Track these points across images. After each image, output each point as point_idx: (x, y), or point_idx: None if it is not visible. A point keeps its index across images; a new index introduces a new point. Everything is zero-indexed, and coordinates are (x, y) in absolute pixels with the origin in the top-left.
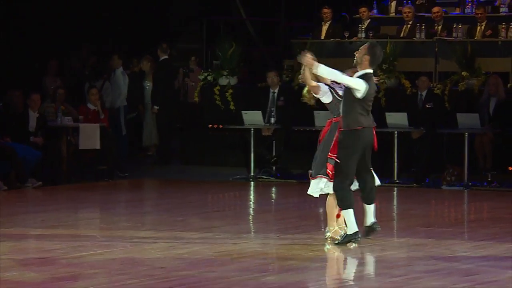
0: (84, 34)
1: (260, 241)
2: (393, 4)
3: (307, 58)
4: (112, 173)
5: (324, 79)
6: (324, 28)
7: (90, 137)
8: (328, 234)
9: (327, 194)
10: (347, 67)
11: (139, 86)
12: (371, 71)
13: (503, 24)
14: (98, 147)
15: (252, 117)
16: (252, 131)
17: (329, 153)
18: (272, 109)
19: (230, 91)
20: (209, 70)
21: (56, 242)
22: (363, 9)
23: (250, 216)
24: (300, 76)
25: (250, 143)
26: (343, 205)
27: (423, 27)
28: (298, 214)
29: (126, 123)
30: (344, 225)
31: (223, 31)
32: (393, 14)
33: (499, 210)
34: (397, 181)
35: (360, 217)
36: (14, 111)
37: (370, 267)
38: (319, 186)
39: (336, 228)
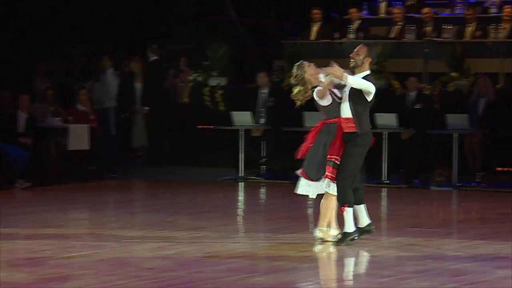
0: (74, 34)
1: (249, 242)
2: (383, 5)
3: (338, 69)
4: (102, 173)
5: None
6: (314, 29)
7: (79, 137)
8: (318, 234)
9: (318, 195)
10: None
11: (130, 87)
12: (370, 72)
13: (492, 25)
14: (88, 147)
15: (242, 118)
16: (242, 132)
17: (328, 155)
18: (262, 109)
19: (220, 91)
20: (199, 70)
21: (45, 243)
22: (353, 10)
23: (239, 216)
24: (304, 79)
25: (240, 144)
26: (348, 204)
27: (413, 28)
28: (287, 215)
29: (117, 123)
30: (335, 225)
31: (213, 31)
32: (383, 15)
33: (488, 210)
34: (386, 181)
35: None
36: (3, 111)
37: (360, 268)
38: (321, 187)
39: (326, 229)
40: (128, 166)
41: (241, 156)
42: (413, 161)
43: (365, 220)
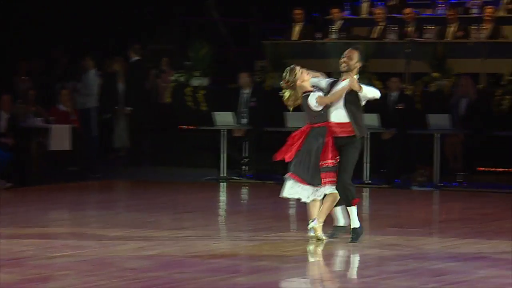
0: (56, 34)
1: (231, 242)
2: (365, 5)
3: (357, 83)
4: (83, 174)
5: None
6: (296, 29)
7: (61, 138)
8: (313, 225)
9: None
10: (318, 68)
11: (113, 87)
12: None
13: (474, 25)
14: (69, 148)
15: (224, 118)
16: (224, 132)
17: (321, 161)
18: (244, 110)
19: (202, 92)
20: (181, 71)
21: (26, 243)
22: (335, 10)
23: (221, 217)
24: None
25: (222, 144)
26: (352, 202)
27: (394, 28)
28: (269, 215)
29: (99, 124)
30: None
31: (195, 32)
32: (365, 15)
33: (469, 210)
34: (368, 181)
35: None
36: None
37: (341, 268)
38: (317, 192)
39: (320, 225)
40: (109, 166)
41: (223, 156)
42: (394, 161)
43: (341, 221)
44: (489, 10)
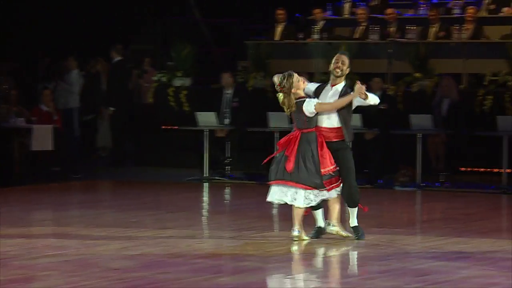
0: (38, 34)
1: (213, 242)
2: (347, 5)
3: (364, 91)
4: (65, 174)
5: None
6: (278, 29)
7: (43, 138)
8: (334, 228)
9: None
10: (301, 68)
11: (96, 88)
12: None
13: (456, 26)
14: (51, 148)
15: (206, 118)
16: (206, 132)
17: (322, 169)
18: (226, 110)
19: (184, 92)
20: (163, 71)
21: (9, 244)
22: (317, 10)
23: (204, 217)
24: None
25: (204, 144)
26: (357, 203)
27: (376, 28)
28: (251, 215)
29: (83, 124)
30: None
31: (177, 32)
32: (347, 16)
33: (451, 210)
34: None
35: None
36: None
37: (324, 268)
38: (328, 197)
39: (338, 225)
40: (92, 166)
41: (206, 157)
42: (377, 162)
43: (321, 223)
44: (470, 10)
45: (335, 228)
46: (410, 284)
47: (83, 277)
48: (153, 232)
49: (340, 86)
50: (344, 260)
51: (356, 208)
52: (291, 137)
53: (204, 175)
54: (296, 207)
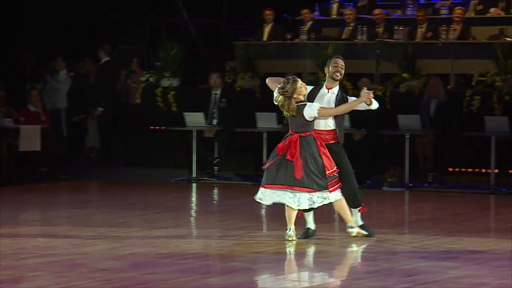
0: (25, 35)
1: (202, 243)
2: (335, 6)
3: (371, 97)
4: (53, 174)
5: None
6: (266, 29)
7: (30, 138)
8: (352, 230)
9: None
10: (289, 68)
11: (84, 88)
12: None
13: (443, 26)
14: (39, 148)
15: (194, 119)
16: (194, 133)
17: (327, 171)
18: (214, 110)
19: (172, 92)
20: (151, 71)
21: None
22: (305, 11)
23: (192, 217)
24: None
25: (192, 145)
26: (360, 202)
27: (364, 29)
28: (240, 215)
29: (71, 125)
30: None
31: (165, 32)
32: (335, 16)
33: (439, 210)
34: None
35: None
36: None
37: (313, 268)
38: (332, 198)
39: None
40: (80, 167)
41: (194, 157)
42: (365, 162)
43: (311, 225)
44: (458, 11)
45: (354, 229)
46: (399, 285)
47: (72, 278)
48: (142, 233)
49: (336, 89)
50: (333, 261)
51: (358, 208)
52: (290, 141)
53: (193, 176)
54: (289, 208)
